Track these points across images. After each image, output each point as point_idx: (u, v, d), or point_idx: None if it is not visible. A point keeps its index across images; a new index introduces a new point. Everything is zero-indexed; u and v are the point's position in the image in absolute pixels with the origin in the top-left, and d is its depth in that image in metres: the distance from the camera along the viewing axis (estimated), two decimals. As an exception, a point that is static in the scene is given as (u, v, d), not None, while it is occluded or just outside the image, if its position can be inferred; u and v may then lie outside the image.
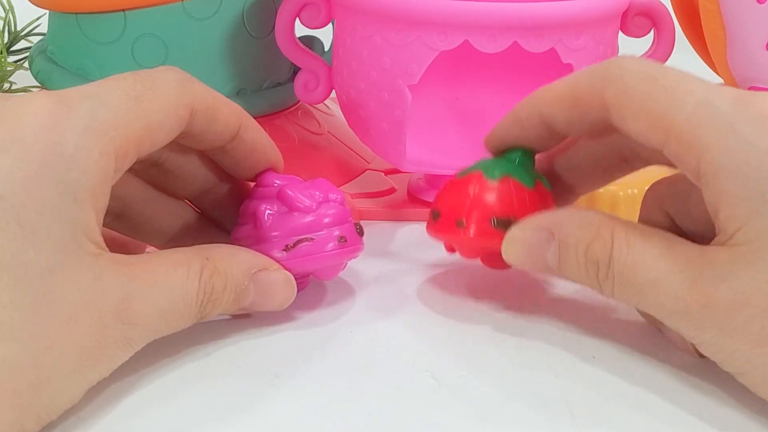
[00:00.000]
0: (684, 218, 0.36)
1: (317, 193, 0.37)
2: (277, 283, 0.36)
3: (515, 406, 0.33)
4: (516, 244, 0.36)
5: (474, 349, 0.36)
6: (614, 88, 0.33)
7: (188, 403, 0.32)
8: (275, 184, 0.37)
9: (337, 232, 0.36)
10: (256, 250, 0.36)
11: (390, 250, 0.44)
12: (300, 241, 0.36)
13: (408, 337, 0.37)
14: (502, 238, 0.36)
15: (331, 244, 0.36)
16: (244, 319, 0.37)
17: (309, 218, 0.36)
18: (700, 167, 0.31)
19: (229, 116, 0.35)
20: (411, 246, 0.44)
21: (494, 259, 0.38)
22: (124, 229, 0.37)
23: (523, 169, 0.37)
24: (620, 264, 0.33)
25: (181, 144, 0.36)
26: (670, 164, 0.33)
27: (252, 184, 0.38)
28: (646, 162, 0.37)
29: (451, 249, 0.39)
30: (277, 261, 0.36)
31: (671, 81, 0.32)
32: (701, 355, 0.34)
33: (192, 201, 0.39)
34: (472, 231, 0.37)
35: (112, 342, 0.31)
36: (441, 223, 0.38)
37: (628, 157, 0.37)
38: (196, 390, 0.33)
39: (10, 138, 0.30)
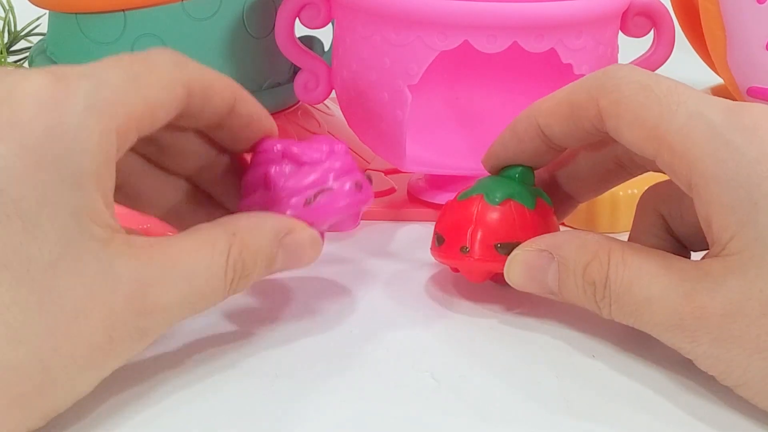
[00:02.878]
0: (677, 222, 0.36)
1: (324, 146, 0.36)
2: (304, 243, 0.35)
3: (515, 406, 0.33)
4: (518, 266, 0.36)
5: (474, 349, 0.36)
6: (609, 97, 0.33)
7: (188, 402, 0.32)
8: (276, 148, 0.37)
9: (352, 180, 0.36)
10: (275, 213, 0.35)
11: (390, 250, 0.44)
12: (319, 192, 0.35)
13: (408, 337, 0.37)
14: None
15: (348, 191, 0.36)
16: (244, 319, 0.37)
17: (321, 170, 0.36)
18: (692, 177, 0.32)
19: (223, 91, 0.34)
20: (411, 246, 0.44)
21: (502, 278, 0.38)
22: (122, 199, 0.36)
23: (523, 189, 0.38)
24: (616, 284, 0.33)
25: (177, 124, 0.35)
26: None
27: (248, 156, 0.38)
28: (643, 168, 0.37)
29: (455, 270, 0.40)
30: (300, 217, 0.35)
31: (665, 91, 0.32)
32: None
33: (190, 177, 0.38)
34: (476, 257, 0.37)
35: (126, 335, 0.30)
36: (445, 248, 0.38)
37: (625, 164, 0.37)
38: (196, 390, 0.33)
39: (8, 122, 0.29)
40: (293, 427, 0.31)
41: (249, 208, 0.36)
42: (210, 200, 0.38)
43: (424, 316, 0.38)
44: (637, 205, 0.38)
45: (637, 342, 0.36)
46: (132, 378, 0.33)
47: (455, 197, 0.39)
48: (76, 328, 0.29)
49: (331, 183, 0.36)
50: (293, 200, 0.35)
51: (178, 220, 0.38)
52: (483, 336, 0.37)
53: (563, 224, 0.47)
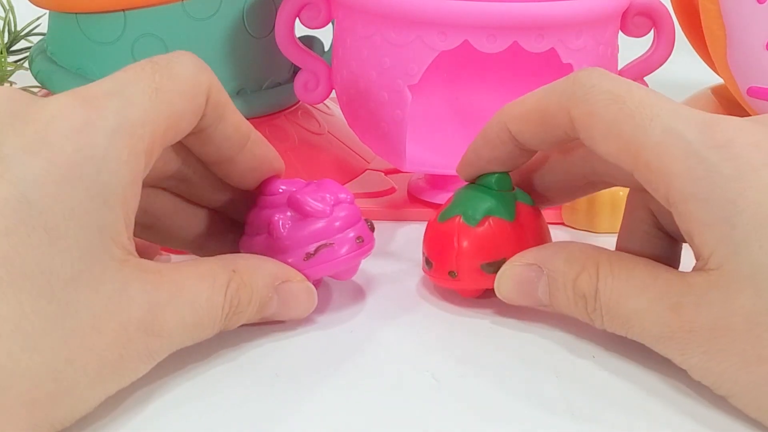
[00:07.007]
0: (666, 217, 0.36)
1: (328, 195, 0.36)
2: (300, 294, 0.36)
3: (515, 406, 0.33)
4: (507, 281, 0.36)
5: (474, 349, 0.36)
6: (581, 109, 0.33)
7: (188, 402, 0.32)
8: (281, 190, 0.37)
9: (353, 233, 0.36)
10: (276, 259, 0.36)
11: (390, 250, 0.44)
12: (320, 247, 0.36)
13: (408, 337, 0.37)
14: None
15: (349, 246, 0.36)
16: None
17: (324, 222, 0.36)
18: (669, 195, 0.32)
19: (239, 123, 0.35)
20: (411, 246, 0.44)
21: None
22: (152, 237, 0.38)
23: (501, 201, 0.37)
24: (606, 296, 0.34)
25: (204, 160, 0.36)
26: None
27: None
28: (619, 181, 0.37)
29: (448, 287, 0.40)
30: (299, 269, 0.36)
31: (637, 103, 0.32)
32: None
33: (219, 208, 0.39)
34: (465, 280, 0.37)
35: (135, 355, 0.30)
36: (435, 272, 0.38)
37: (600, 171, 0.37)
38: (196, 389, 0.33)
39: (40, 140, 0.29)
40: (293, 427, 0.31)
41: (250, 249, 0.37)
42: (236, 234, 0.39)
43: (424, 316, 0.38)
44: (627, 201, 0.38)
45: (638, 343, 0.36)
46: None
47: (436, 217, 0.39)
48: (90, 342, 0.29)
49: (332, 238, 0.36)
50: (294, 252, 0.36)
51: (200, 251, 0.39)
52: (483, 336, 0.37)
53: (563, 224, 0.47)
